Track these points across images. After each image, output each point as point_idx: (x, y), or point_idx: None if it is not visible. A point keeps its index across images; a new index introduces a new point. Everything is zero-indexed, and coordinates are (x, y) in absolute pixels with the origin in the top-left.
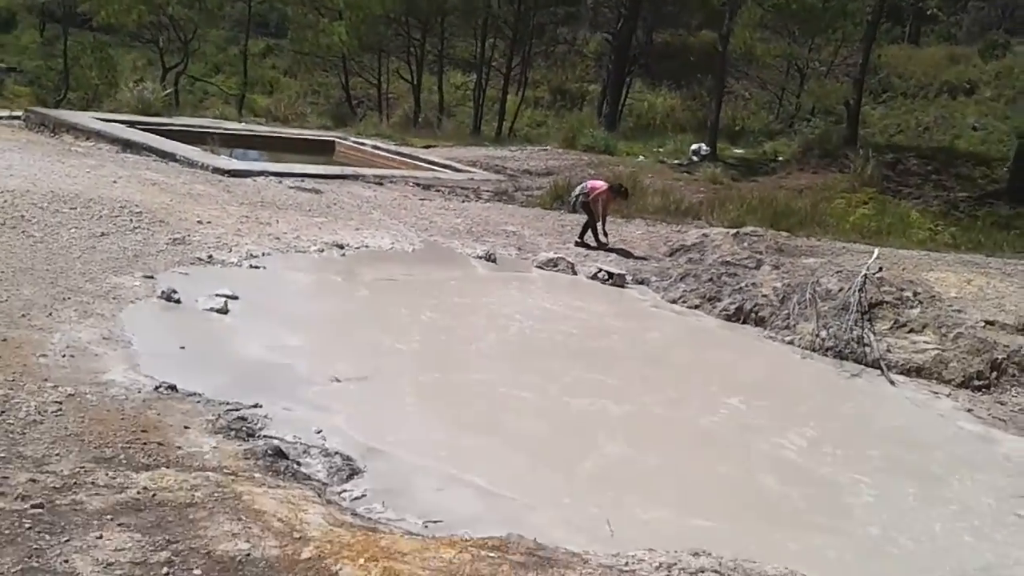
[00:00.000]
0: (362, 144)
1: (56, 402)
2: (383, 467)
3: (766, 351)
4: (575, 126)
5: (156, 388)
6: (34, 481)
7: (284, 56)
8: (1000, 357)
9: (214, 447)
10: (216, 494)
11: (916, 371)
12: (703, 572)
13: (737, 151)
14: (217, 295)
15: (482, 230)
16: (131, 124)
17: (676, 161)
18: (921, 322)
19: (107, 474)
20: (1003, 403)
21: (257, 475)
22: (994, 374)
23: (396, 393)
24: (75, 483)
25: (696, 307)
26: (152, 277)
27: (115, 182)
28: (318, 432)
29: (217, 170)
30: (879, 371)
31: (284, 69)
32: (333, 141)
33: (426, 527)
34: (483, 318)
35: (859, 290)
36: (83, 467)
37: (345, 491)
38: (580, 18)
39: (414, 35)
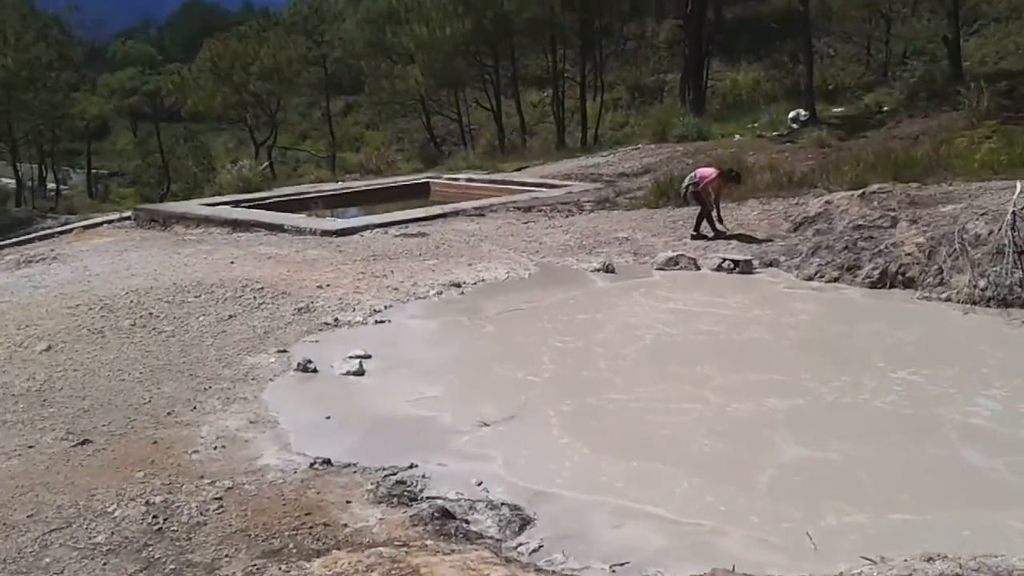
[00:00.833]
0: (455, 179)
1: (216, 499)
2: (553, 510)
3: (923, 313)
4: (662, 119)
5: (311, 465)
6: None
7: (364, 111)
8: None
9: (380, 519)
10: (393, 571)
11: None
12: None
13: (837, 110)
14: (351, 357)
15: (593, 242)
16: (235, 204)
17: (775, 133)
18: None
19: (280, 568)
20: None
21: (429, 542)
22: None
23: (546, 428)
24: None
25: (835, 280)
26: (285, 351)
27: (232, 263)
28: (479, 484)
29: (325, 232)
30: None
31: (366, 123)
32: (427, 182)
33: (614, 572)
34: (615, 332)
35: (1010, 229)
36: (254, 565)
37: (521, 544)
38: (645, 10)
39: (487, 62)
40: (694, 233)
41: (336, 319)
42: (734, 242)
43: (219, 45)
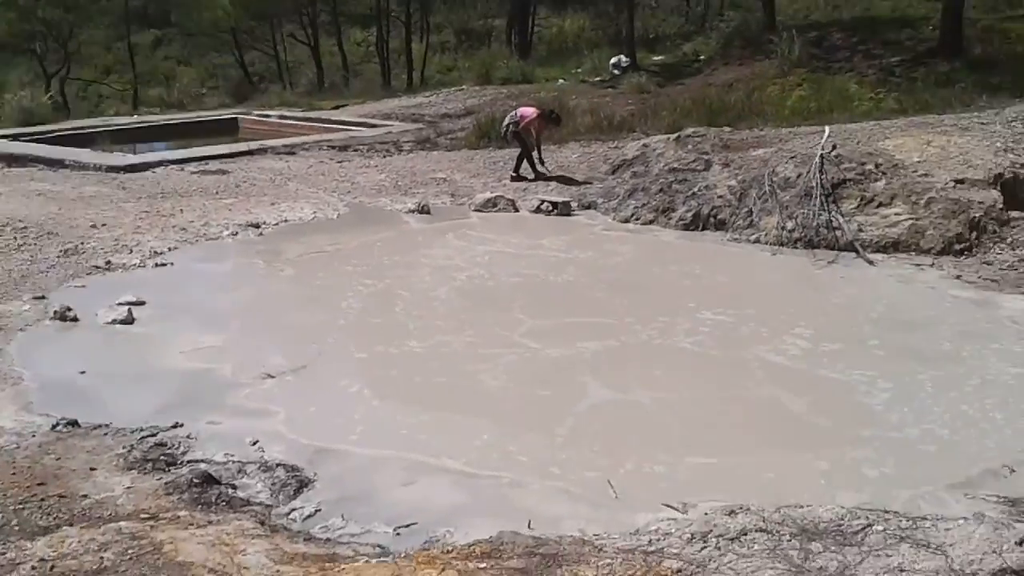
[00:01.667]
0: (267, 116)
1: None
2: (337, 470)
3: (734, 255)
4: (487, 61)
5: (54, 427)
6: None
7: (175, 45)
8: (977, 215)
9: (127, 487)
10: (131, 551)
11: (893, 246)
12: (747, 534)
13: (657, 58)
14: (120, 304)
15: (409, 182)
16: (15, 137)
17: (598, 78)
18: (889, 193)
19: None
20: (990, 263)
21: (183, 513)
22: (974, 234)
23: (340, 379)
24: None
25: (651, 222)
26: (43, 297)
27: None
28: (254, 443)
29: (112, 168)
30: (855, 253)
31: (178, 58)
32: (235, 118)
33: (398, 535)
34: (426, 275)
35: (818, 172)
36: None
37: (294, 510)
38: None
39: None
40: (514, 175)
41: (108, 262)
42: (553, 184)
43: None
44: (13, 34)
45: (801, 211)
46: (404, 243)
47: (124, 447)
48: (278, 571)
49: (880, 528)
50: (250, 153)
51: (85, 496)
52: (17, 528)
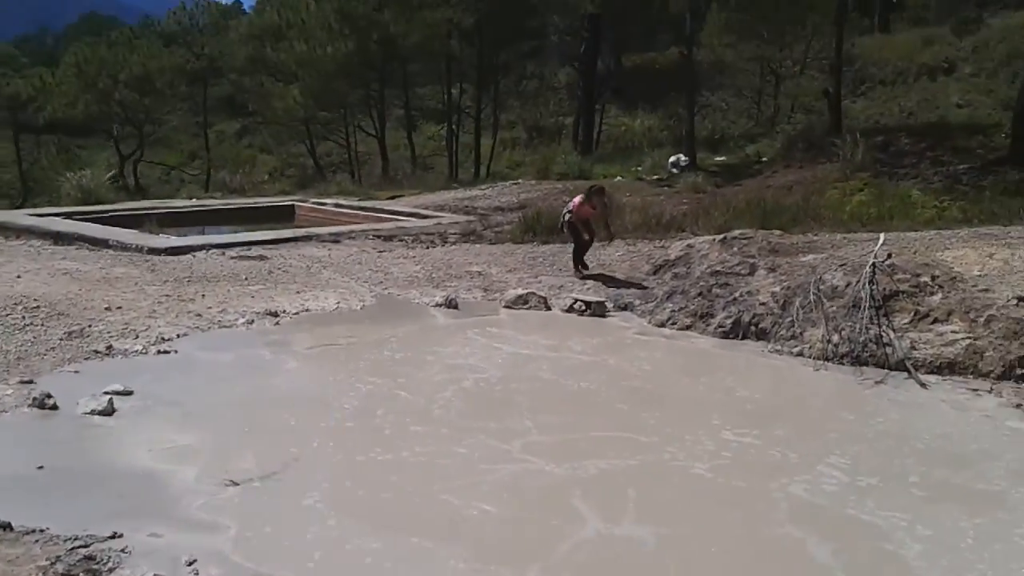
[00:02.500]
0: (323, 204)
1: None
2: None
3: (773, 368)
4: (547, 156)
5: None
6: None
7: (259, 134)
8: None
9: None
10: None
11: (948, 367)
12: None
13: (719, 158)
14: (105, 393)
15: (444, 275)
16: (68, 215)
17: (655, 177)
18: (945, 309)
19: None
20: None
21: None
22: None
23: (309, 491)
24: None
25: (688, 327)
26: (31, 382)
27: (19, 277)
28: (190, 563)
29: (153, 250)
30: (906, 373)
31: (261, 147)
32: (292, 205)
33: None
34: (436, 374)
35: (869, 282)
36: None
37: None
38: (546, 51)
39: (372, 87)
40: (576, 271)
41: (109, 347)
42: (591, 283)
43: (86, 50)
44: (91, 116)
45: (849, 324)
46: (422, 339)
47: (49, 559)
48: None
49: None
50: (295, 240)
51: None
52: None
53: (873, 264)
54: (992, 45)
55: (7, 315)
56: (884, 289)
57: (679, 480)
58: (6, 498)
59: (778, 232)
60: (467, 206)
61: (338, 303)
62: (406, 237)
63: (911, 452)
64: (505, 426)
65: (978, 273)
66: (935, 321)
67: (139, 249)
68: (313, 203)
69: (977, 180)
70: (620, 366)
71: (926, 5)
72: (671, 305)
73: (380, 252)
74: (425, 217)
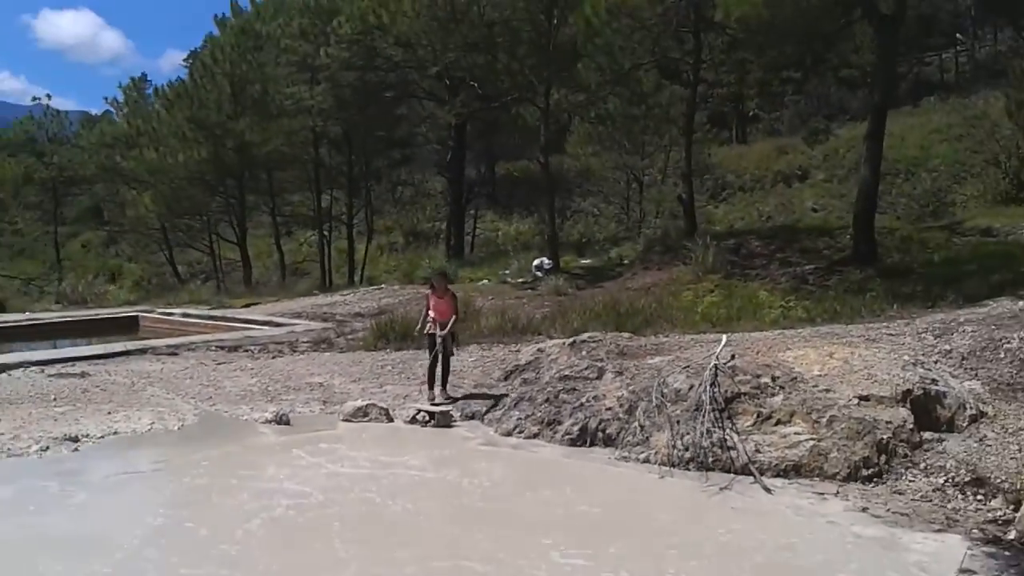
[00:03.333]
0: (170, 314)
1: None
2: None
3: (616, 477)
4: (413, 260)
5: None
6: None
7: (125, 242)
8: (884, 437)
9: None
10: None
11: (794, 470)
12: None
13: (584, 261)
14: None
15: (281, 388)
16: None
17: (520, 280)
18: (787, 410)
19: None
20: (901, 492)
21: None
22: (883, 458)
23: None
24: None
25: (535, 436)
26: None
27: None
28: None
29: None
30: (752, 477)
31: (129, 255)
32: (136, 316)
33: None
34: (244, 502)
35: (711, 384)
36: None
37: None
38: (419, 159)
39: (231, 194)
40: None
41: None
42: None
43: None
44: None
45: (691, 428)
46: (239, 461)
47: None
48: None
49: None
50: (127, 354)
51: None
52: None
53: (715, 366)
54: (841, 153)
55: None
56: (726, 391)
57: None
58: None
59: (627, 335)
60: (325, 313)
61: (152, 423)
62: (252, 347)
63: (751, 568)
64: (311, 561)
65: (819, 373)
66: (778, 423)
67: None
68: (160, 313)
69: (823, 280)
70: (456, 482)
71: (779, 118)
72: (518, 413)
73: (219, 364)
74: (278, 325)
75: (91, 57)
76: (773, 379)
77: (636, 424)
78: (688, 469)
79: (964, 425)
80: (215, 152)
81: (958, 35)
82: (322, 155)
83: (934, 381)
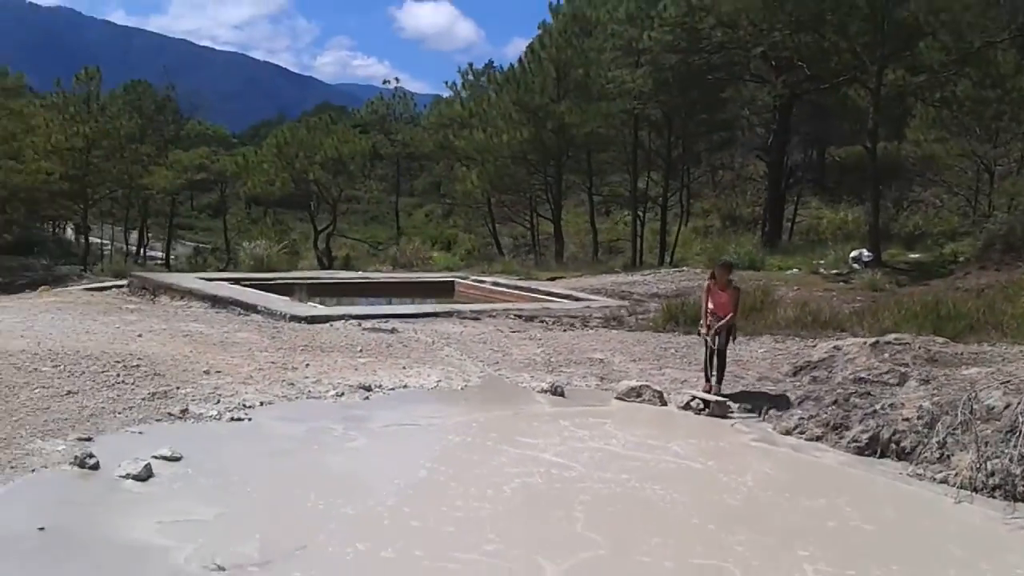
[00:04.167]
0: (482, 281)
1: None
2: None
3: (904, 495)
4: (719, 244)
5: None
6: None
7: (462, 215)
8: None
9: None
10: None
11: None
12: None
13: (912, 256)
14: (155, 457)
15: (563, 360)
16: (236, 281)
17: (835, 271)
18: None
19: None
20: None
21: None
22: None
23: None
24: None
25: (817, 439)
26: (90, 439)
27: (140, 336)
28: None
29: (294, 317)
30: None
31: (463, 227)
32: (452, 282)
33: None
34: (504, 466)
35: None
36: None
37: None
38: (737, 142)
39: (549, 173)
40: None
41: (185, 410)
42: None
43: (286, 132)
44: (289, 193)
45: (1003, 451)
46: (510, 425)
47: None
48: None
49: None
50: (435, 315)
51: None
52: None
53: None
54: None
55: (103, 372)
56: None
57: None
58: None
59: (942, 340)
60: (623, 291)
61: (438, 381)
62: (547, 319)
63: None
64: (553, 535)
65: None
66: None
67: (283, 316)
68: (473, 280)
69: None
70: (722, 476)
71: None
72: (801, 412)
73: (512, 332)
74: (576, 299)
75: (446, 45)
76: None
77: (935, 440)
78: (992, 496)
79: None
80: (536, 133)
81: None
82: (641, 137)
83: None
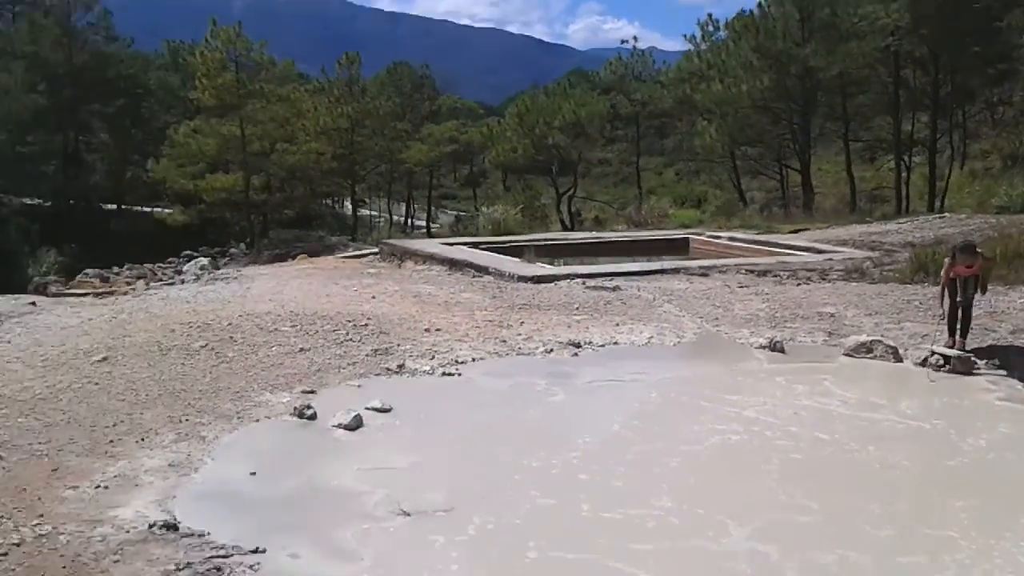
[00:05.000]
0: (717, 236)
1: (14, 544)
2: None
3: None
4: (989, 187)
5: (150, 527)
6: None
7: (712, 172)
8: None
9: None
10: None
11: None
12: None
13: None
14: (367, 409)
15: (789, 315)
16: (475, 245)
17: None
18: None
19: None
20: None
21: None
22: None
23: (469, 535)
24: None
25: None
26: (312, 392)
27: (373, 298)
28: None
29: (521, 278)
30: None
31: (715, 183)
32: (687, 238)
33: None
34: (706, 424)
35: None
36: None
37: None
38: (1018, 75)
39: (795, 121)
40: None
41: (401, 365)
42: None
43: (526, 100)
44: (532, 159)
45: None
46: (717, 382)
47: (179, 564)
48: None
49: None
50: (662, 272)
51: None
52: None
53: None
54: None
55: (335, 331)
56: None
57: None
58: (203, 501)
59: None
60: (874, 241)
61: (650, 337)
62: (781, 273)
63: None
64: (738, 492)
65: None
66: None
67: (511, 276)
68: (708, 236)
69: None
70: (956, 438)
71: None
72: None
73: (739, 287)
74: (818, 252)
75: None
76: None
77: None
78: None
79: None
80: (778, 80)
81: None
82: (904, 76)
83: None
